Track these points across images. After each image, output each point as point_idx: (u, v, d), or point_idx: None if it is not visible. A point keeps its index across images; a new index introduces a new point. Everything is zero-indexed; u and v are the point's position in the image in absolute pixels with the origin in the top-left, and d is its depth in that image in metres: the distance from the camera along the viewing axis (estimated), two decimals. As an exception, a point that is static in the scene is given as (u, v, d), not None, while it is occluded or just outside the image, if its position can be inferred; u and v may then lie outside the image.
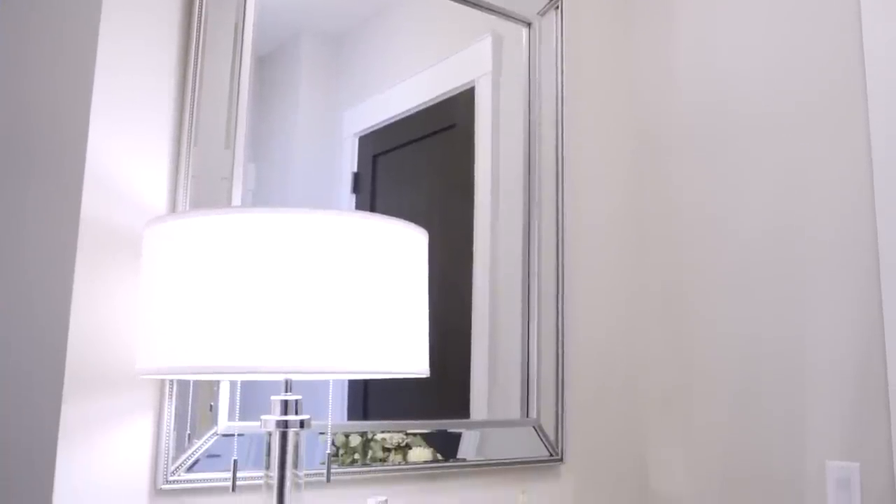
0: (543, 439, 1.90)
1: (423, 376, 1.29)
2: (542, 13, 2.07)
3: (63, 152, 1.46)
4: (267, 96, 1.60)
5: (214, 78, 1.52)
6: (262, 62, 1.60)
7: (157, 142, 1.47)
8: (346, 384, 1.63)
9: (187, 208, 1.46)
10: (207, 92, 1.51)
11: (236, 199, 1.52)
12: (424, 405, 1.73)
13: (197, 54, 1.51)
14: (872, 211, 1.69)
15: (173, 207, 1.48)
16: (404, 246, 1.23)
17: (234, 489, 1.27)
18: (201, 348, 1.10)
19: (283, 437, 1.26)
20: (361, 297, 1.15)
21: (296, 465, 1.28)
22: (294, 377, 1.29)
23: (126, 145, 1.43)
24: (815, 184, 1.81)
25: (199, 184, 1.48)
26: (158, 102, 1.48)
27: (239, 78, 1.55)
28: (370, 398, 1.66)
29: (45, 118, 1.56)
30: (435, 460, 1.72)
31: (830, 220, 1.77)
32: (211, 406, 1.45)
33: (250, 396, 1.50)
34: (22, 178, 1.62)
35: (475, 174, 1.89)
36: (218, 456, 1.44)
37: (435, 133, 1.84)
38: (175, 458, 1.40)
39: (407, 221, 1.25)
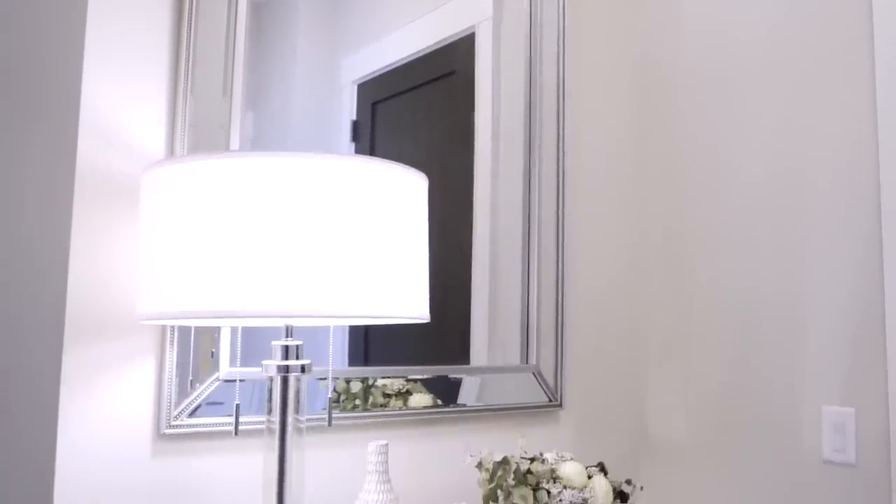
0: (543, 385, 1.92)
1: (424, 321, 1.29)
2: (544, -43, 2.03)
3: (57, 103, 1.45)
4: (264, 44, 1.58)
5: (210, 25, 1.50)
6: (259, 8, 1.58)
7: (152, 91, 1.45)
8: (347, 331, 1.64)
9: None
10: (203, 40, 1.49)
11: (234, 147, 1.51)
12: (425, 352, 1.74)
13: (192, 0, 1.49)
14: (876, 157, 1.69)
15: (171, 156, 1.47)
16: (404, 190, 1.22)
17: (236, 433, 1.28)
18: (201, 293, 1.10)
19: (285, 381, 1.27)
20: (362, 242, 1.15)
21: (297, 410, 1.29)
22: (294, 322, 1.30)
23: (121, 96, 1.41)
24: (818, 129, 1.79)
25: (197, 133, 1.47)
26: (153, 51, 1.46)
27: (235, 25, 1.53)
28: (371, 344, 1.67)
29: (39, 67, 1.55)
30: (435, 406, 1.74)
31: (833, 167, 1.76)
32: (212, 352, 1.46)
33: (251, 344, 1.51)
34: (17, 128, 1.61)
35: (475, 121, 1.88)
36: (220, 403, 1.46)
37: (435, 80, 1.82)
38: (177, 404, 1.42)
39: (407, 166, 1.25)
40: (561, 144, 2.01)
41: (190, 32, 1.47)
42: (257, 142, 1.55)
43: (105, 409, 1.36)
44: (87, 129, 1.37)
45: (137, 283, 1.20)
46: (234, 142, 1.51)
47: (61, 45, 1.47)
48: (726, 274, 1.96)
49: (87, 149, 1.37)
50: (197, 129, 1.47)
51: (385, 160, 1.21)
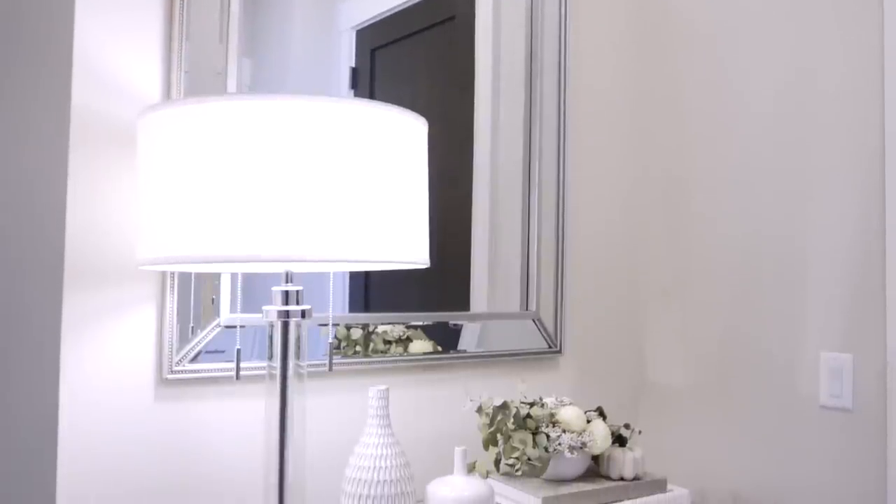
0: (542, 331, 1.93)
1: (423, 267, 1.29)
2: None
3: (49, 48, 1.43)
4: (260, -13, 1.55)
5: (205, -33, 1.47)
6: (255, -50, 1.55)
7: (146, 37, 1.42)
8: (347, 278, 1.65)
9: (182, 100, 1.44)
10: (198, -17, 1.47)
11: (232, 92, 1.50)
12: (425, 299, 1.75)
13: (186, -58, 1.46)
14: (881, 102, 1.67)
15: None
16: (404, 134, 1.21)
17: (237, 377, 1.29)
18: (200, 237, 1.10)
19: (285, 326, 1.27)
20: (362, 185, 1.14)
21: (298, 356, 1.30)
22: (294, 267, 1.30)
23: (115, 40, 1.39)
24: (824, 70, 1.77)
25: (193, 79, 1.45)
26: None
27: (231, -32, 1.50)
28: (371, 291, 1.67)
29: (30, 11, 1.52)
30: (435, 352, 1.75)
31: (837, 112, 1.74)
32: (213, 299, 1.46)
33: (251, 291, 1.51)
34: (8, 74, 1.59)
35: (476, 67, 1.85)
36: (222, 352, 1.47)
37: (435, 25, 1.80)
38: (179, 350, 1.42)
39: (407, 110, 1.23)
40: (562, 90, 1.99)
41: (184, -26, 1.45)
42: (254, 89, 1.54)
43: (107, 355, 1.37)
44: (81, 74, 1.36)
45: (136, 229, 1.20)
46: (231, 88, 1.49)
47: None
48: (726, 219, 1.95)
49: (82, 94, 1.35)
50: (193, 75, 1.45)
51: (385, 104, 1.19)
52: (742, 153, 1.93)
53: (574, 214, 2.04)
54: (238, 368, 1.29)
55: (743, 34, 1.94)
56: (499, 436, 1.58)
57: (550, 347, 1.94)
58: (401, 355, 1.69)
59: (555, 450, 1.55)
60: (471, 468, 1.59)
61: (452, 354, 1.78)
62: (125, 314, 1.39)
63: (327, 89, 1.63)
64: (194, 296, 1.45)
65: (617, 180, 2.14)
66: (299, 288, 1.28)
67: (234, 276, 1.48)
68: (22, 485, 1.44)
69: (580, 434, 1.58)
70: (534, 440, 1.55)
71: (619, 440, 1.68)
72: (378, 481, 1.36)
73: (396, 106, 1.21)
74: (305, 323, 1.32)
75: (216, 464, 1.48)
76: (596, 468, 1.68)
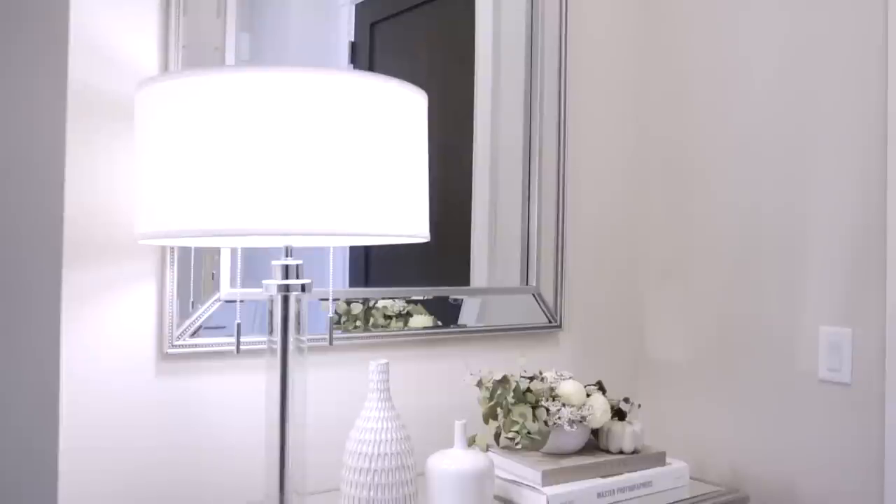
0: (543, 306, 1.93)
1: (424, 240, 1.29)
2: None
3: (46, 22, 1.42)
4: (258, -40, 1.54)
5: (202, -60, 1.46)
6: (252, -78, 1.53)
7: (143, 11, 1.41)
8: (347, 252, 1.65)
9: (180, 74, 1.42)
10: (195, -44, 1.45)
11: (230, 66, 1.49)
12: (425, 273, 1.75)
13: (183, -86, 1.44)
14: (884, 76, 1.66)
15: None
16: (404, 106, 1.21)
17: (238, 351, 1.29)
18: (199, 211, 1.09)
19: (285, 300, 1.27)
20: (361, 158, 1.14)
21: (298, 330, 1.30)
22: (294, 241, 1.30)
23: (111, 15, 1.38)
24: (826, 45, 1.76)
25: (191, 54, 1.44)
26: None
27: (228, -59, 1.49)
28: (371, 266, 1.67)
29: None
30: (436, 327, 1.75)
31: (839, 85, 1.73)
32: (213, 274, 1.46)
33: (251, 268, 1.51)
34: (6, 51, 1.58)
35: (476, 41, 1.84)
36: (222, 327, 1.47)
37: (434, -2, 1.79)
38: (179, 325, 1.43)
39: (406, 82, 1.23)
40: (563, 64, 1.98)
41: (181, -53, 1.43)
42: (252, 63, 1.53)
43: (107, 330, 1.37)
44: (78, 48, 1.34)
45: (135, 202, 1.20)
46: (229, 63, 1.48)
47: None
48: (727, 193, 1.95)
49: (79, 68, 1.35)
50: (191, 50, 1.44)
51: (384, 76, 1.19)
52: (743, 124, 1.92)
53: (575, 188, 2.04)
54: (238, 343, 1.29)
55: (746, 9, 1.92)
56: (499, 410, 1.59)
57: (550, 322, 1.95)
58: (401, 330, 1.70)
59: (554, 423, 1.56)
60: (471, 442, 1.59)
61: (453, 329, 1.78)
62: (125, 289, 1.39)
63: (326, 64, 1.62)
64: (194, 270, 1.45)
65: (618, 154, 2.14)
66: (299, 262, 1.28)
67: (233, 250, 1.48)
68: (23, 461, 1.45)
69: (580, 408, 1.59)
70: (534, 414, 1.55)
71: (619, 414, 1.69)
72: (378, 455, 1.36)
73: (396, 79, 1.20)
74: (305, 297, 1.32)
75: (217, 438, 1.49)
76: (595, 442, 1.68)
